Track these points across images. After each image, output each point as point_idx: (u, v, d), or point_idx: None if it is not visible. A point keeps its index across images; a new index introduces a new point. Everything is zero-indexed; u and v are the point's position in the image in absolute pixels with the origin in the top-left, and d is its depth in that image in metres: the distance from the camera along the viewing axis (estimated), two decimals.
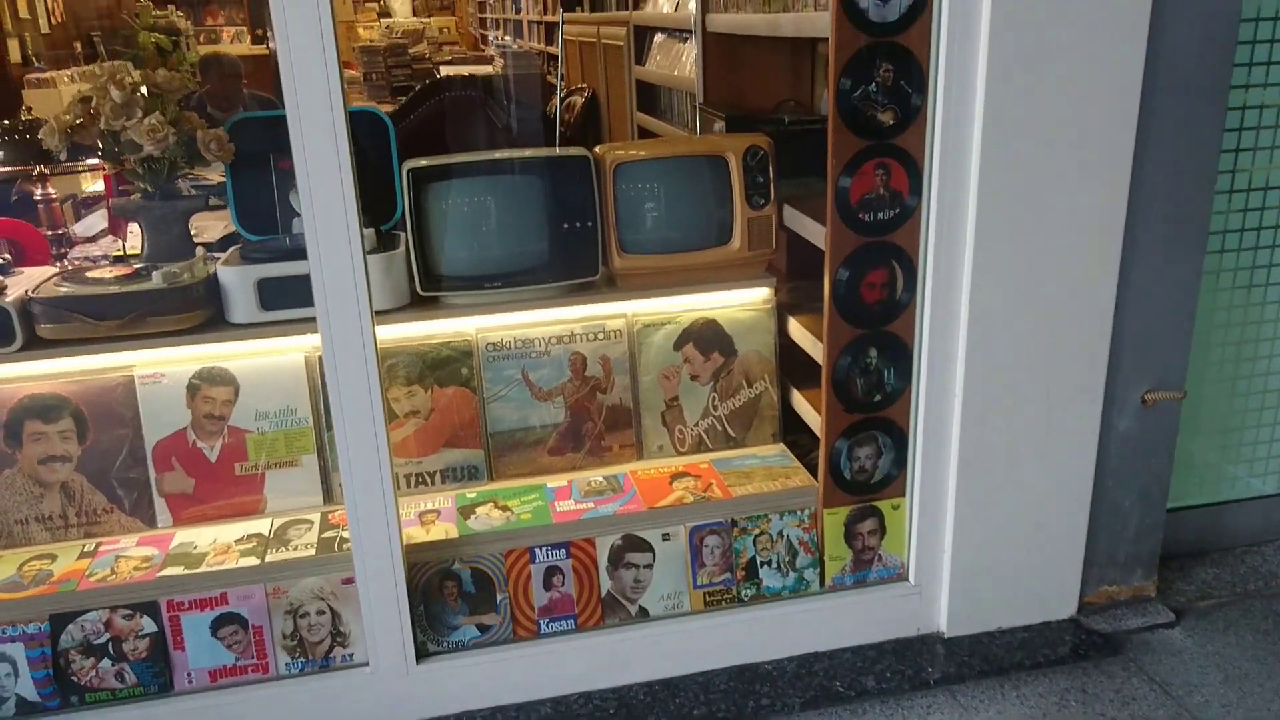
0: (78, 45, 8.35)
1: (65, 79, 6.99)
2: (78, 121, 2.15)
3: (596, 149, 2.21)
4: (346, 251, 1.83)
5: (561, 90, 4.67)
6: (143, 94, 2.14)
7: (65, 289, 1.99)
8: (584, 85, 4.96)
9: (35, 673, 1.91)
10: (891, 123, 1.93)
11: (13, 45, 6.92)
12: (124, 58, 8.92)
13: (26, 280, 2.05)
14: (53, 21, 7.72)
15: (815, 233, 2.14)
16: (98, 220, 2.76)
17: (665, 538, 2.14)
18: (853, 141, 1.94)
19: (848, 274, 2.03)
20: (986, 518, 2.16)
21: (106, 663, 1.94)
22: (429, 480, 2.24)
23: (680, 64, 3.53)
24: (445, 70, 6.87)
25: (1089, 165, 1.94)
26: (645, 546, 2.14)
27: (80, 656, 1.93)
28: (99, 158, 2.26)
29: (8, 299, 1.95)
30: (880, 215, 2.00)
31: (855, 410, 2.14)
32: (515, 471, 2.28)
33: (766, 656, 2.19)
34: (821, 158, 1.99)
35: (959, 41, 1.84)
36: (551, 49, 6.80)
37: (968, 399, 2.06)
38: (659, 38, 3.85)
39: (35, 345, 1.98)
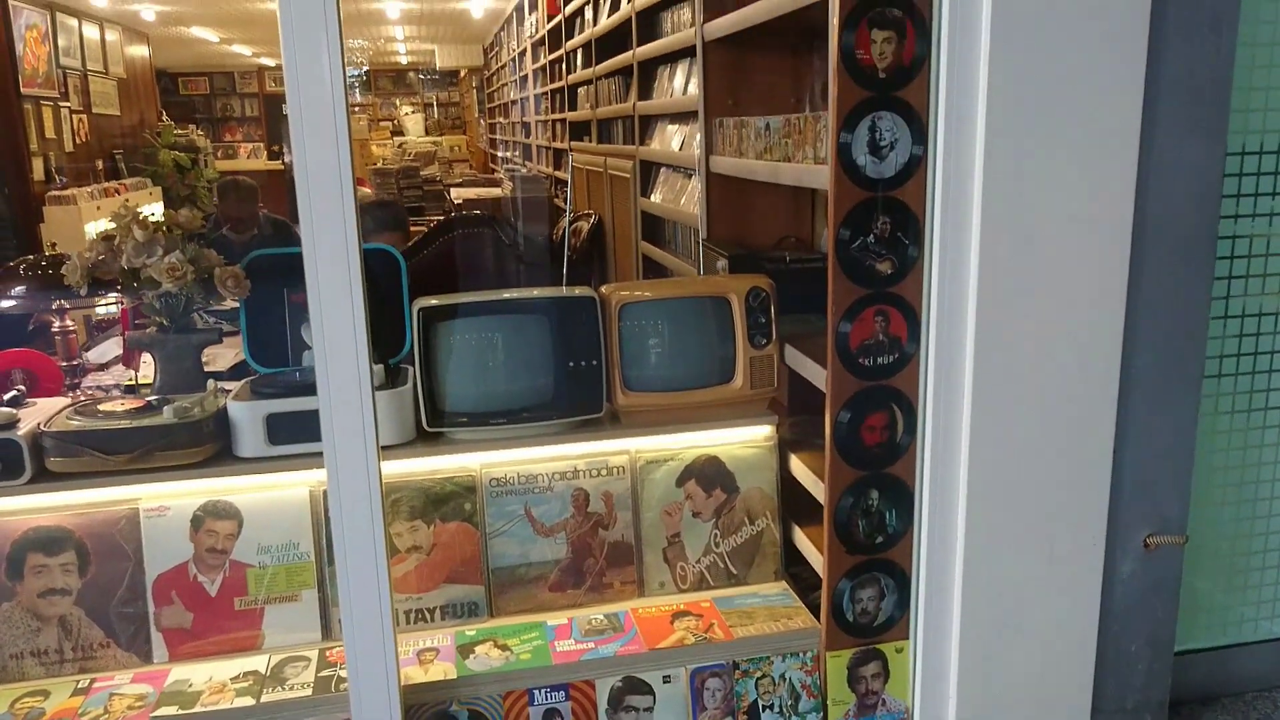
0: (99, 163, 8.61)
1: (85, 196, 7.21)
2: (100, 259, 2.22)
3: (602, 289, 2.27)
4: (355, 388, 1.86)
5: (569, 214, 4.80)
6: (164, 232, 2.22)
7: (76, 423, 2.02)
8: (590, 211, 5.10)
9: None
10: (889, 272, 1.99)
11: (37, 164, 7.15)
12: (144, 174, 9.20)
13: (39, 412, 2.09)
14: (77, 141, 7.99)
15: (816, 374, 2.18)
16: (111, 347, 2.81)
17: (666, 680, 2.12)
18: (852, 289, 2.00)
19: (849, 416, 2.06)
20: (991, 662, 2.14)
21: None
22: (429, 616, 2.22)
23: (684, 198, 3.64)
24: (456, 193, 7.07)
25: (1081, 314, 1.99)
26: (646, 689, 2.11)
27: None
28: (118, 292, 2.33)
29: (20, 432, 1.98)
30: (880, 360, 2.04)
31: (857, 552, 2.14)
32: (516, 607, 2.26)
33: None
34: (822, 295, 2.04)
35: (953, 197, 1.91)
36: (559, 174, 7.01)
37: (969, 542, 2.06)
38: (664, 171, 3.98)
39: (43, 478, 2.00)
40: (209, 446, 2.07)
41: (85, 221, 6.80)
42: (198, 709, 1.94)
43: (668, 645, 2.14)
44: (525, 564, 2.26)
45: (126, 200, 7.14)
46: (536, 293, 2.27)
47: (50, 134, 7.49)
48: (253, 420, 2.08)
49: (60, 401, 2.20)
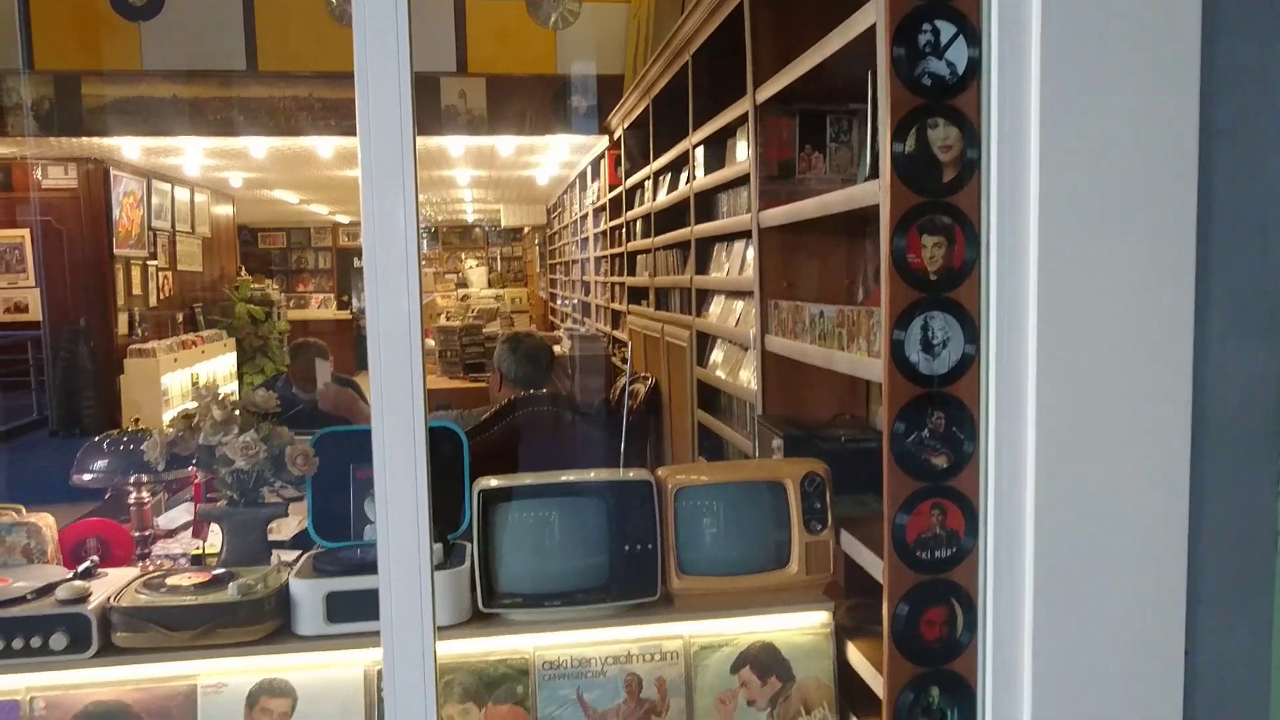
0: (179, 315, 9.04)
1: (164, 349, 7.54)
2: (179, 435, 2.32)
3: (659, 472, 2.31)
4: (416, 567, 1.90)
5: (629, 376, 4.89)
6: (241, 412, 2.32)
7: (144, 598, 2.08)
8: (647, 374, 5.20)
9: None
10: (945, 466, 2.01)
11: (122, 318, 7.54)
12: (220, 326, 9.62)
13: (109, 584, 2.15)
14: (161, 296, 8.43)
15: (872, 564, 2.17)
16: (182, 513, 2.90)
17: None
18: (908, 482, 2.01)
19: (907, 610, 2.03)
20: None
21: None
22: None
23: (740, 370, 3.71)
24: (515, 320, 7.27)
25: (1144, 515, 1.97)
26: None
27: None
28: (193, 467, 2.43)
29: (90, 607, 2.04)
30: (937, 553, 2.02)
31: None
32: None
33: None
34: (877, 475, 2.05)
35: (1007, 395, 1.94)
36: (617, 333, 7.18)
37: None
38: (720, 342, 4.07)
39: (108, 651, 2.04)
40: (269, 624, 2.10)
41: (163, 373, 7.08)
42: None
43: None
44: None
45: (203, 353, 7.40)
46: (594, 475, 2.31)
47: (137, 290, 7.92)
48: (313, 599, 2.12)
49: (130, 572, 2.27)
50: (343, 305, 17.35)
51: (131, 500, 2.54)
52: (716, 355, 4.04)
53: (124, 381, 7.06)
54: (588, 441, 3.49)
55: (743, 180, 3.58)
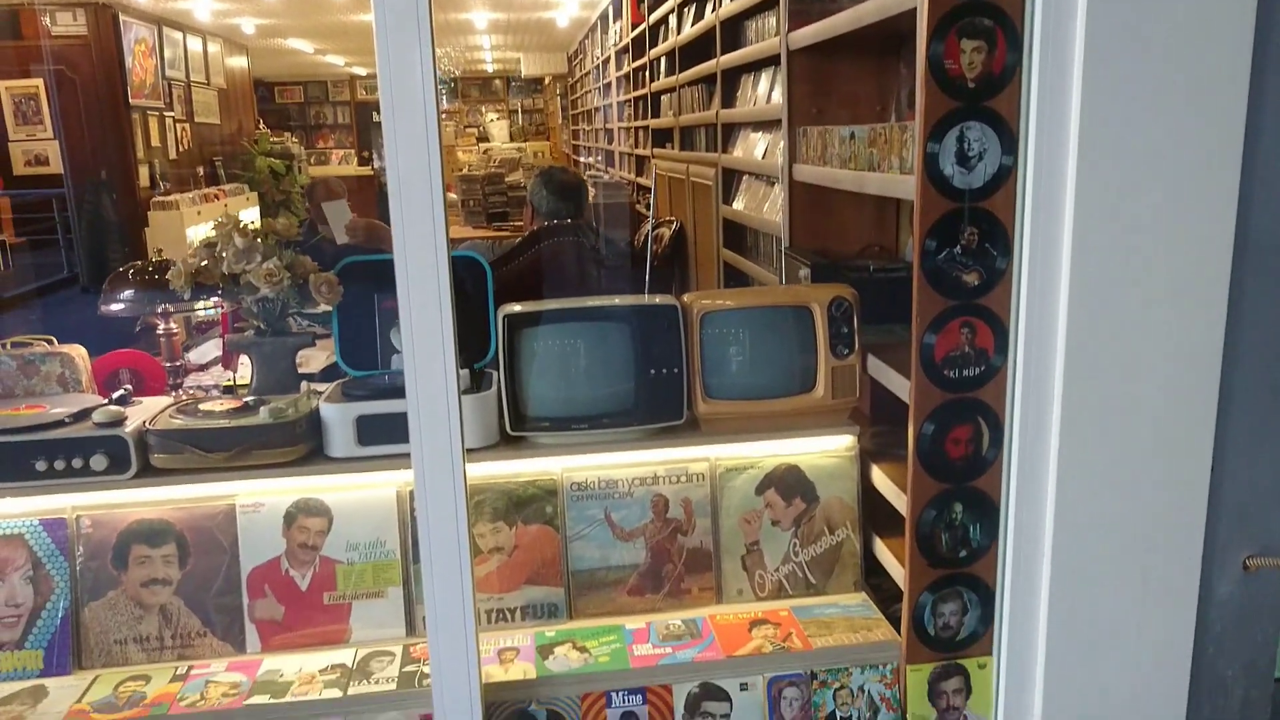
0: (200, 169, 8.96)
1: (187, 201, 7.51)
2: (202, 264, 2.31)
3: (684, 297, 2.29)
4: (443, 392, 1.91)
5: (652, 221, 4.83)
6: (262, 239, 2.30)
7: (179, 421, 2.11)
8: (672, 218, 5.13)
9: None
10: (976, 283, 1.97)
11: (143, 171, 7.47)
12: (241, 180, 9.54)
13: (144, 411, 2.19)
14: (180, 149, 8.34)
15: (899, 385, 2.16)
16: (211, 348, 2.93)
17: (743, 687, 2.12)
18: (938, 300, 1.97)
19: (932, 429, 2.03)
20: (1078, 683, 2.08)
21: None
22: (509, 616, 2.26)
23: (767, 206, 3.63)
24: None
25: (1179, 329, 1.93)
26: (723, 696, 2.11)
27: None
28: (219, 296, 2.43)
29: (127, 429, 2.08)
30: (965, 372, 2.01)
31: (940, 565, 2.11)
32: (594, 610, 2.29)
33: None
34: (905, 305, 2.02)
35: (1044, 208, 1.88)
36: (641, 180, 7.05)
37: (1057, 560, 2.02)
38: (747, 179, 3.98)
39: (147, 473, 2.09)
40: (302, 446, 2.14)
41: (187, 226, 7.07)
42: (288, 699, 2.01)
43: (745, 653, 2.14)
44: (604, 567, 2.29)
45: (226, 207, 7.40)
46: (619, 301, 2.29)
47: (155, 142, 7.82)
48: (343, 422, 2.15)
49: (164, 400, 2.30)
50: (364, 161, 17.13)
51: (160, 331, 2.56)
52: (743, 192, 3.95)
53: (149, 235, 7.06)
54: (613, 278, 3.46)
55: (770, 3, 3.41)
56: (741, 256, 4.00)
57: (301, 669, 2.10)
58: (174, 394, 2.46)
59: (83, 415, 2.13)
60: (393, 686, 2.04)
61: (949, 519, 2.09)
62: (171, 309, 2.52)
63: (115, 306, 2.44)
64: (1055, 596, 2.05)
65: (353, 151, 17.24)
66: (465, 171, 7.87)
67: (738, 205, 4.05)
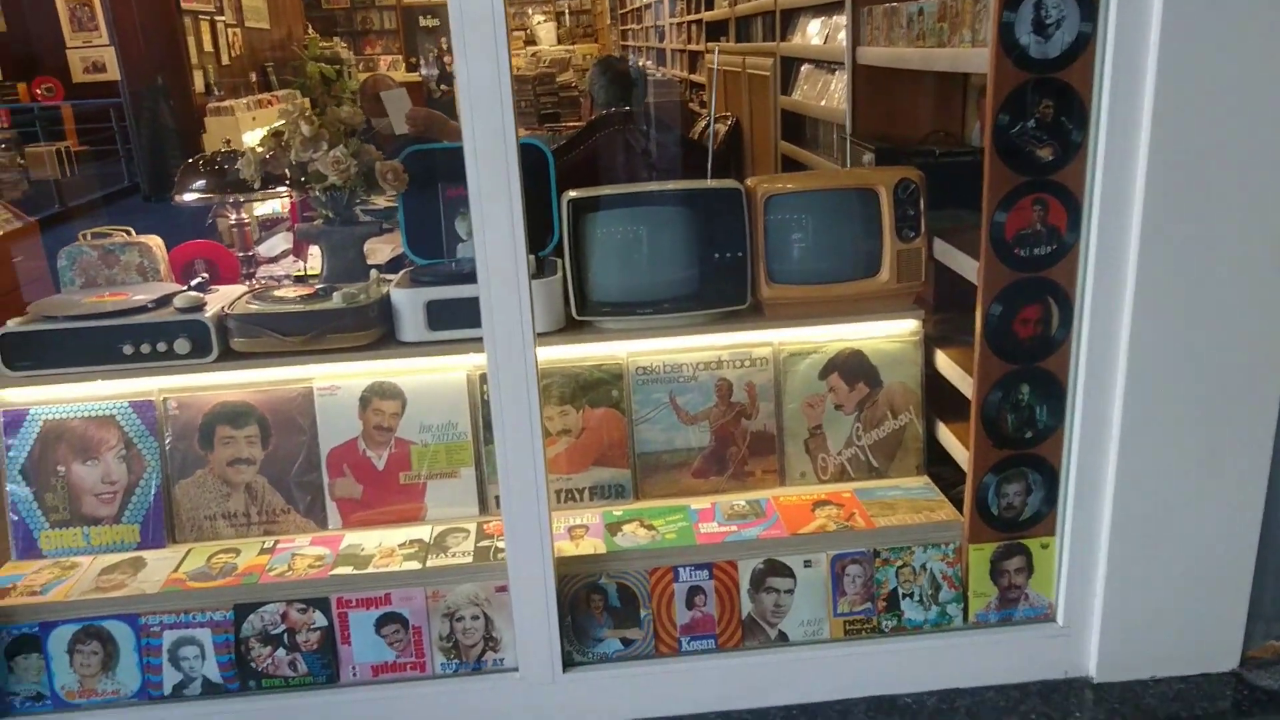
0: (252, 75, 8.96)
1: (242, 107, 7.54)
2: (270, 154, 2.34)
3: (748, 181, 2.27)
4: (514, 277, 1.94)
5: (712, 114, 4.75)
6: (328, 128, 2.32)
7: (256, 307, 2.17)
8: (728, 114, 5.04)
9: (220, 657, 2.08)
10: (1050, 159, 1.92)
11: (197, 77, 7.50)
12: (292, 86, 9.53)
13: (221, 298, 2.25)
14: (231, 54, 8.33)
15: (967, 267, 2.14)
16: (279, 242, 2.99)
17: (807, 564, 2.17)
18: (1009, 177, 1.94)
19: (1001, 309, 2.02)
20: (1142, 561, 2.10)
21: (282, 652, 2.09)
22: (577, 497, 2.33)
23: (827, 95, 3.56)
24: None
25: (1257, 205, 1.88)
26: (787, 572, 2.17)
27: (259, 644, 2.09)
28: (287, 186, 2.47)
29: (207, 315, 2.14)
30: (1036, 251, 1.98)
31: (1005, 446, 2.12)
32: (659, 492, 2.34)
33: (906, 689, 2.18)
34: (972, 190, 2.00)
35: (1124, 78, 1.82)
36: (694, 77, 6.92)
37: (1125, 439, 2.02)
38: (806, 68, 3.89)
39: (228, 357, 2.16)
40: (374, 331, 2.19)
41: (243, 131, 7.11)
42: (370, 569, 2.10)
43: (809, 531, 2.18)
44: (669, 450, 2.33)
45: (295, 96, 7.37)
46: (683, 185, 2.28)
47: (208, 48, 7.84)
48: (413, 307, 2.19)
49: (239, 289, 2.36)
50: (411, 68, 16.95)
51: (232, 221, 2.61)
52: (802, 81, 3.87)
53: (206, 141, 7.12)
54: (672, 168, 3.43)
55: None
56: (800, 148, 3.94)
57: (381, 544, 2.20)
58: (247, 283, 2.52)
59: (164, 301, 2.20)
60: (469, 560, 2.13)
61: (1015, 400, 2.09)
62: (241, 199, 2.56)
63: (188, 197, 2.49)
64: (1122, 477, 2.05)
65: (400, 58, 17.06)
66: (515, 73, 7.80)
67: (797, 95, 3.97)
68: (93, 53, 7.33)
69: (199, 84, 7.54)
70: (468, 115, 1.83)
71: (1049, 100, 1.89)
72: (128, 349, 2.12)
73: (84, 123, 7.69)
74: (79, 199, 8.02)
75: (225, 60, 8.13)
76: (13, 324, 2.12)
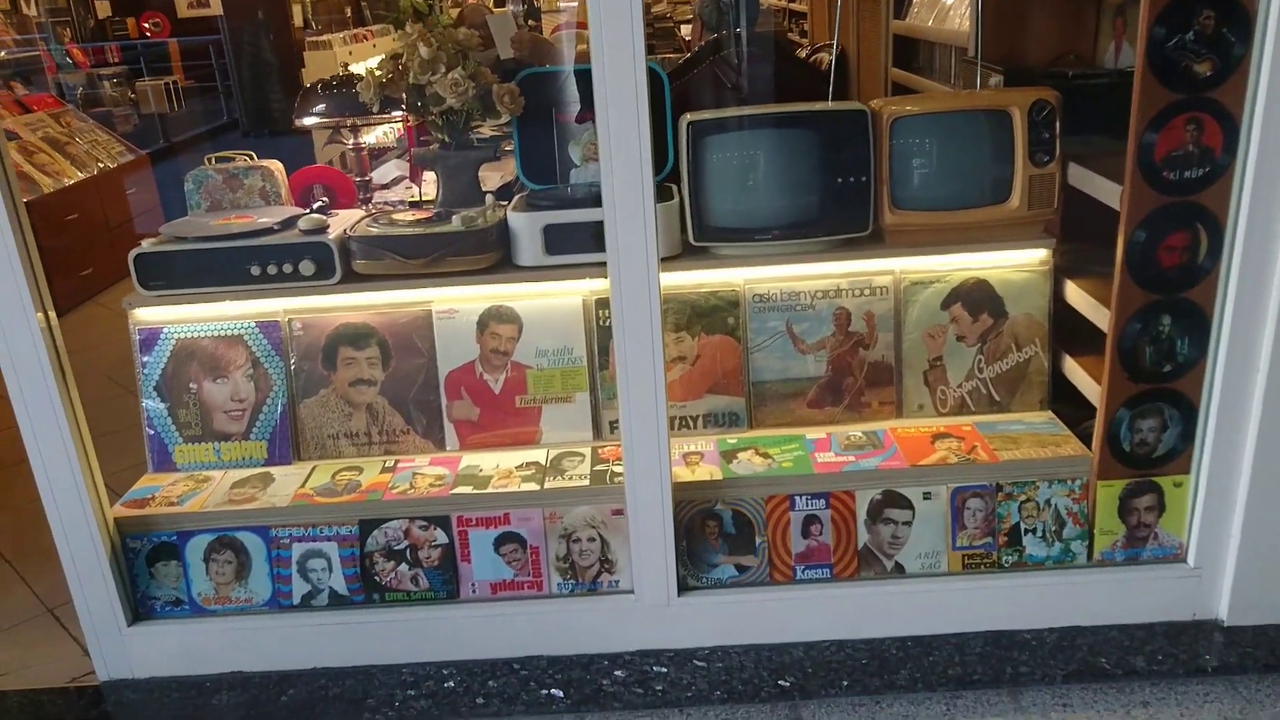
0: (347, 10, 9.01)
1: (339, 40, 7.59)
2: (388, 77, 2.34)
3: (873, 103, 2.19)
4: (639, 200, 1.91)
5: (836, 37, 4.58)
6: (444, 51, 2.30)
7: (377, 229, 2.19)
8: (831, 41, 4.88)
9: (346, 570, 2.14)
10: (1208, 74, 1.81)
11: (296, 10, 7.57)
12: (385, 21, 9.55)
13: (341, 222, 2.27)
14: None
15: (1108, 191, 2.04)
16: (390, 168, 3.00)
17: (926, 496, 2.13)
18: (1162, 94, 1.83)
19: (1145, 236, 1.93)
20: None
21: (404, 567, 2.15)
22: (692, 424, 2.32)
23: (947, 17, 3.41)
24: (687, 29, 6.93)
25: None
26: (905, 504, 2.13)
27: (383, 559, 2.14)
28: (403, 110, 2.47)
29: (330, 237, 2.17)
30: (1187, 174, 1.88)
31: (1140, 380, 2.03)
32: (773, 421, 2.32)
33: (1025, 625, 2.14)
34: (1107, 115, 1.90)
35: None
36: (794, 5, 6.73)
37: (1273, 374, 1.92)
38: None
39: (350, 279, 2.19)
40: (491, 255, 2.19)
41: (340, 64, 7.17)
42: (490, 489, 2.14)
43: (930, 463, 2.14)
44: (785, 379, 2.30)
45: (375, 46, 7.38)
46: (806, 107, 2.22)
47: None
48: (531, 231, 2.18)
49: (357, 213, 2.39)
50: (498, 2, 16.85)
51: (349, 146, 2.64)
52: (917, 4, 3.72)
53: (305, 75, 7.20)
54: (783, 93, 3.34)
55: None
56: (912, 74, 3.80)
57: (498, 465, 2.22)
58: (364, 208, 2.54)
59: (289, 224, 2.24)
60: (585, 483, 2.14)
61: (1155, 332, 2.00)
62: (359, 122, 2.57)
63: (308, 120, 2.51)
64: (1267, 414, 1.96)
65: None
66: None
67: (911, 15, 3.82)
68: None
69: (297, 19, 7.60)
70: (597, 35, 1.79)
71: (1210, 10, 1.77)
72: (255, 270, 2.16)
73: (187, 59, 7.83)
74: (181, 134, 8.22)
75: None
76: (146, 245, 2.18)
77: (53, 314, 1.97)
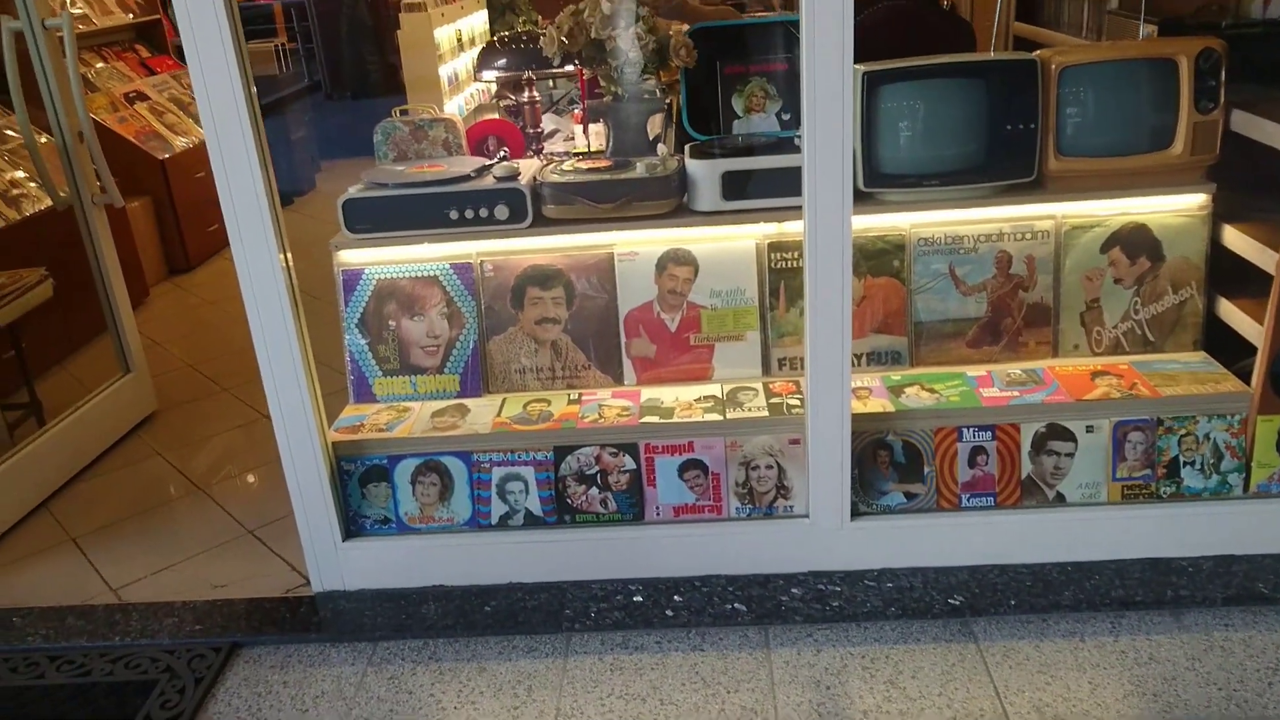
0: None
1: (432, 3, 7.72)
2: (569, 30, 2.47)
3: (1040, 53, 2.28)
4: (839, 143, 2.02)
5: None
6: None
7: (568, 176, 2.34)
8: None
9: (541, 492, 2.32)
10: None
11: None
12: None
13: (525, 170, 2.42)
14: None
15: (1276, 135, 2.11)
16: (548, 123, 3.14)
17: (1089, 429, 2.24)
18: None
19: None
20: None
21: (594, 490, 2.31)
22: (856, 362, 2.44)
23: None
24: None
25: None
26: (1068, 436, 2.25)
27: (575, 483, 2.31)
28: (578, 64, 2.60)
29: (522, 183, 2.32)
30: None
31: None
32: (934, 360, 2.44)
33: (1182, 553, 2.25)
34: (1260, 64, 1.95)
35: None
36: None
37: None
38: None
39: (539, 223, 2.34)
40: (672, 200, 2.33)
41: (434, 27, 7.30)
42: (675, 420, 2.29)
43: (1093, 398, 2.25)
44: (946, 320, 2.42)
45: (463, 7, 7.43)
46: (977, 58, 2.31)
47: None
48: (710, 177, 2.31)
49: (535, 162, 2.54)
50: None
51: (524, 99, 2.78)
52: None
53: (400, 37, 7.34)
54: (935, 45, 3.40)
55: None
56: (1038, 27, 3.84)
57: (678, 398, 2.38)
58: (538, 158, 2.69)
59: (482, 172, 2.39)
60: (764, 414, 2.28)
61: None
62: (534, 76, 2.71)
63: (488, 75, 2.65)
64: None
65: None
66: None
67: None
68: None
69: None
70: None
71: None
72: (453, 214, 2.32)
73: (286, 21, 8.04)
74: (268, 96, 8.45)
75: None
76: (352, 190, 2.35)
77: (289, 254, 2.15)
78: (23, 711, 2.08)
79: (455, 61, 7.89)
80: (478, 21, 9.26)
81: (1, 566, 2.64)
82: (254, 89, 2.05)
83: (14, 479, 2.85)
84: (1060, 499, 2.28)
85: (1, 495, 2.79)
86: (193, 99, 5.83)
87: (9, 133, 4.11)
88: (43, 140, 3.27)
